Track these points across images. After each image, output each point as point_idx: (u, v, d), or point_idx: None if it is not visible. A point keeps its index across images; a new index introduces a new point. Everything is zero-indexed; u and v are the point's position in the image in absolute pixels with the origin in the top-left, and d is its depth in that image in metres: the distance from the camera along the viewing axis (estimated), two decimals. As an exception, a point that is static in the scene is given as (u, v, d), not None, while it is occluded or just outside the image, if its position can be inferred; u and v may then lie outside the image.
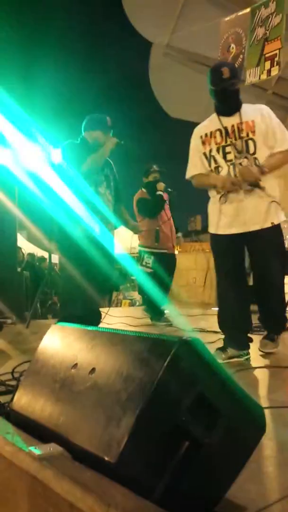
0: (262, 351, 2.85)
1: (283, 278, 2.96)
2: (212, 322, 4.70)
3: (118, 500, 0.73)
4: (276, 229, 2.80)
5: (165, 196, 4.93)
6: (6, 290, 4.79)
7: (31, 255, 10.18)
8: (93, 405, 0.96)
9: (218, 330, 3.90)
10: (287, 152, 2.78)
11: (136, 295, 11.10)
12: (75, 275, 3.24)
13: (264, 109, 2.87)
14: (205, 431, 0.91)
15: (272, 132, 2.78)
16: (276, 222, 2.78)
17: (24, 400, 1.20)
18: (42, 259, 9.82)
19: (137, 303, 10.42)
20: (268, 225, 2.75)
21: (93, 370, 1.03)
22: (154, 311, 4.83)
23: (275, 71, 5.16)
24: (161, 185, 4.93)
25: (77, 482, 0.80)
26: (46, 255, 8.12)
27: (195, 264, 7.80)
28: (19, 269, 6.50)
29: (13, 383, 1.89)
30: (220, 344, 3.23)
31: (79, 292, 3.18)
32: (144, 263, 4.98)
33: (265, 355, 2.83)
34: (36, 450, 0.92)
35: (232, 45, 5.75)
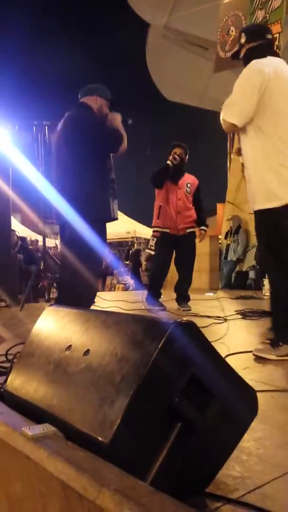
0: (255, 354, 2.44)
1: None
2: (206, 307, 4.74)
3: (111, 480, 0.74)
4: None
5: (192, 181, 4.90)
6: (0, 273, 4.78)
7: (22, 238, 10.14)
8: (87, 386, 0.96)
9: (211, 314, 3.93)
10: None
11: (130, 280, 11.13)
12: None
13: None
14: (197, 412, 0.92)
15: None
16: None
17: (18, 382, 1.20)
18: (35, 242, 9.80)
19: (131, 287, 10.45)
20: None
21: (87, 351, 1.03)
22: (150, 294, 4.84)
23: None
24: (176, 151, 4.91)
25: (70, 462, 0.80)
26: (39, 238, 8.09)
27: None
28: (12, 252, 6.48)
29: (7, 365, 1.90)
30: (215, 328, 3.25)
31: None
32: (149, 246, 4.99)
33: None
34: (30, 431, 0.92)
35: (232, 28, 5.68)
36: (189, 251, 4.93)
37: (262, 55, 2.54)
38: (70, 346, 1.11)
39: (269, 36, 2.70)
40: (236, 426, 1.02)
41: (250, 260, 8.21)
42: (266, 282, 5.50)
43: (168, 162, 4.80)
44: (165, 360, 0.87)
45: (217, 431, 0.96)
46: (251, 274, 7.96)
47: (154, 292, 4.88)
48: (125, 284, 10.86)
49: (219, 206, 11.41)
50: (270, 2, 5.27)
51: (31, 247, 9.88)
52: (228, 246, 8.80)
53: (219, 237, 9.07)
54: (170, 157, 4.85)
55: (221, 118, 2.56)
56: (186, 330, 0.92)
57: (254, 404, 1.03)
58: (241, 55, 2.70)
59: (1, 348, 2.37)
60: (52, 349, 1.17)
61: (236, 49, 2.80)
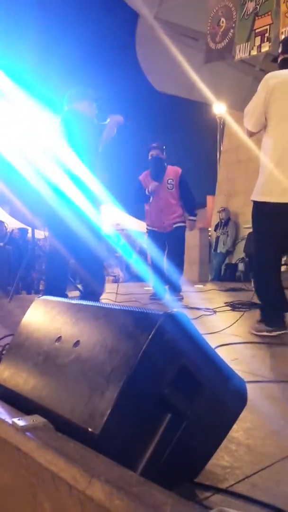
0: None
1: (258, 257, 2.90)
2: (196, 299, 4.76)
3: (101, 470, 0.74)
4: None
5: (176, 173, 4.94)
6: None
7: (14, 230, 10.06)
8: (77, 377, 0.96)
9: (201, 306, 3.95)
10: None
11: (119, 272, 11.13)
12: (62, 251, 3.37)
13: None
14: (187, 402, 0.92)
15: None
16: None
17: (7, 373, 1.19)
18: (24, 231, 9.71)
19: (120, 280, 10.45)
20: None
21: (77, 343, 1.02)
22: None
23: (265, 47, 5.11)
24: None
25: (60, 452, 0.80)
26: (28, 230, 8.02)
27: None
28: (1, 244, 6.43)
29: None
30: (204, 320, 3.27)
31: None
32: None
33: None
34: (19, 422, 0.92)
35: (222, 19, 5.65)
36: (177, 245, 5.02)
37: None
38: (60, 337, 1.10)
39: None
40: (226, 416, 1.02)
41: (240, 252, 8.25)
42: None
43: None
44: (155, 351, 0.87)
45: (206, 421, 0.97)
46: (240, 266, 8.00)
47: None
48: (114, 276, 10.86)
49: (209, 198, 11.43)
50: (260, -6, 5.25)
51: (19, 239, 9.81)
52: (217, 238, 8.83)
53: (209, 229, 9.09)
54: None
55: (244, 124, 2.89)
56: (176, 321, 0.92)
57: (243, 395, 1.04)
58: (277, 62, 2.99)
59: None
60: (42, 341, 1.16)
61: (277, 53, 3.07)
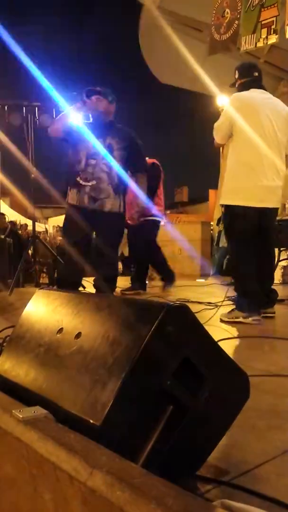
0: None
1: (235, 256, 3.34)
2: (197, 293, 4.75)
3: (102, 462, 0.73)
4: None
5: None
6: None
7: (12, 222, 10.05)
8: (79, 368, 0.95)
9: (202, 301, 3.95)
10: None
11: (119, 264, 11.13)
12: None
13: None
14: (190, 395, 0.92)
15: None
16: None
17: (8, 365, 1.18)
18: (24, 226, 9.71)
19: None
20: None
21: (79, 334, 1.01)
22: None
23: (272, 39, 5.05)
24: None
25: (61, 443, 0.79)
26: (29, 222, 8.01)
27: (180, 236, 7.80)
28: (2, 236, 6.42)
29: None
30: (205, 314, 3.27)
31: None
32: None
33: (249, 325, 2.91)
34: (20, 413, 0.91)
35: (227, 10, 5.59)
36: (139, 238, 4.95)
37: (247, 89, 3.29)
38: (61, 329, 1.10)
39: (256, 74, 3.38)
40: (228, 410, 1.02)
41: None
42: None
43: None
44: (158, 343, 0.86)
45: (208, 414, 0.96)
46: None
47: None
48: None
49: (211, 192, 11.40)
50: (265, -15, 5.19)
51: (20, 231, 9.81)
52: (220, 232, 8.80)
53: (211, 223, 9.06)
54: None
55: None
56: (179, 313, 0.91)
57: (246, 388, 1.03)
58: (236, 86, 3.43)
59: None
60: (43, 332, 1.15)
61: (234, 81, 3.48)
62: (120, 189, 3.65)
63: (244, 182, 3.14)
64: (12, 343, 1.25)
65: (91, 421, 0.84)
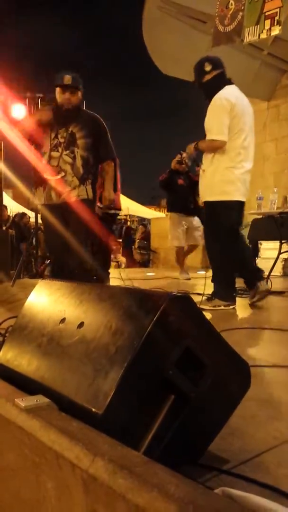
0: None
1: (216, 250, 3.44)
2: (198, 285, 4.75)
3: (104, 449, 0.74)
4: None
5: None
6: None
7: (18, 214, 10.05)
8: (81, 358, 0.95)
9: (201, 292, 3.97)
10: (210, 141, 3.32)
11: (121, 257, 11.12)
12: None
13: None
14: (191, 384, 0.92)
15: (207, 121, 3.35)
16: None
17: (11, 354, 1.19)
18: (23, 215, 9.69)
19: (123, 265, 10.45)
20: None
21: (81, 324, 1.02)
22: None
23: (275, 31, 5.00)
24: None
25: (63, 432, 0.80)
26: (31, 214, 8.00)
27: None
28: (4, 228, 6.42)
29: (-1, 338, 1.89)
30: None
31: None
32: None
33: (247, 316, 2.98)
34: (22, 402, 0.92)
35: (231, 1, 5.54)
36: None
37: (222, 82, 3.35)
38: (64, 319, 1.10)
39: (223, 67, 3.43)
40: (229, 399, 1.02)
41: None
42: (258, 260, 5.53)
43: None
44: (160, 333, 0.87)
45: (210, 403, 0.97)
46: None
47: None
48: (117, 262, 10.85)
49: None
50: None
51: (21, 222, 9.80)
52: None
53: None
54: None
55: (210, 139, 3.30)
56: (181, 303, 0.92)
57: (247, 378, 1.04)
58: (204, 80, 3.41)
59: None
60: (46, 322, 1.16)
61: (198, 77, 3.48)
62: (87, 179, 3.42)
63: (240, 181, 3.30)
64: (14, 333, 1.26)
65: (93, 409, 0.85)
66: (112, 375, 0.85)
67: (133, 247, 12.18)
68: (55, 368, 1.01)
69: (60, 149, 3.36)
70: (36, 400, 0.93)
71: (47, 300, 1.25)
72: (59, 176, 3.36)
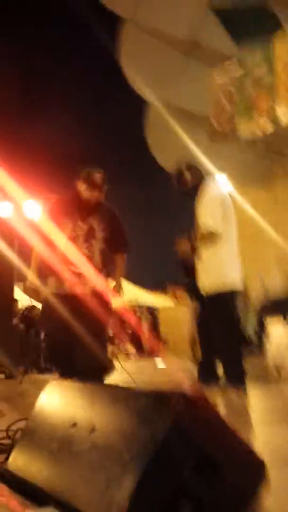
0: None
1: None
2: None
3: None
4: None
5: None
6: (1, 343, 4.72)
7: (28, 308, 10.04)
8: (93, 466, 0.92)
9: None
10: None
11: (130, 348, 10.91)
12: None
13: None
14: (207, 488, 0.88)
15: None
16: None
17: (20, 461, 1.15)
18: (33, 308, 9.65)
19: (132, 356, 10.24)
20: None
21: (93, 429, 0.99)
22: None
23: (268, 127, 5.34)
24: None
25: None
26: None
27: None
28: (15, 322, 6.43)
29: (6, 441, 1.82)
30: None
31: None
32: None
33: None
34: (34, 515, 0.87)
35: (224, 102, 6.00)
36: None
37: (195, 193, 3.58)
38: (75, 423, 1.07)
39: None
40: (245, 497, 0.97)
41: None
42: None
43: None
44: (175, 438, 0.84)
45: (226, 504, 0.91)
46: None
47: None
48: (126, 353, 10.66)
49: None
50: (259, 74, 5.56)
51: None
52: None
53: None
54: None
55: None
56: (195, 404, 0.90)
57: (263, 473, 0.99)
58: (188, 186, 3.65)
59: (1, 423, 2.28)
60: (56, 427, 1.13)
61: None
62: (103, 271, 3.40)
63: (235, 270, 3.50)
64: (24, 438, 1.23)
65: (107, 524, 0.81)
66: (126, 485, 0.82)
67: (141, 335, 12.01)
68: (66, 477, 0.97)
69: (79, 242, 3.36)
70: (47, 513, 0.88)
71: (58, 402, 1.23)
72: (75, 268, 3.31)
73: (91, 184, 3.34)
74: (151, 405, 0.92)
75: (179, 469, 0.85)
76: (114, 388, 1.11)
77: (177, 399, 0.89)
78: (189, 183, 3.61)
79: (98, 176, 3.37)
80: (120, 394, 1.04)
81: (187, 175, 3.62)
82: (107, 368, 3.37)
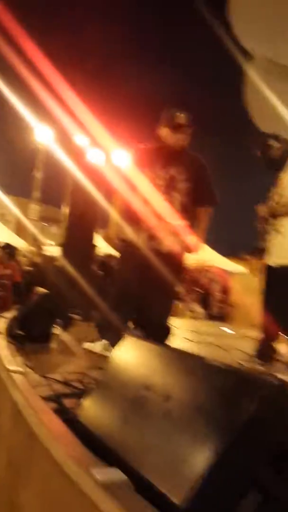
0: None
1: None
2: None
3: None
4: None
5: None
6: (80, 286, 4.85)
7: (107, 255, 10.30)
8: (165, 436, 0.89)
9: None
10: None
11: (198, 308, 10.87)
12: None
13: None
14: (282, 487, 0.82)
15: None
16: None
17: (92, 413, 1.15)
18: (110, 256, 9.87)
19: (200, 316, 10.23)
20: None
21: (167, 398, 0.96)
22: None
23: None
24: None
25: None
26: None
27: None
28: (93, 269, 6.60)
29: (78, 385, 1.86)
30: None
31: None
32: None
33: None
34: (99, 474, 0.86)
35: None
36: None
37: None
38: (148, 386, 1.04)
39: None
40: None
41: None
42: None
43: None
44: (256, 428, 0.78)
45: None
46: None
47: None
48: (194, 312, 10.65)
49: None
50: None
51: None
52: None
53: None
54: None
55: None
56: (284, 394, 0.83)
57: None
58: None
59: (74, 364, 2.35)
60: (130, 385, 1.11)
61: None
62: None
63: None
64: (97, 391, 1.22)
65: (174, 500, 0.78)
66: (199, 465, 0.78)
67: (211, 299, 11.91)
68: (136, 441, 0.95)
69: (158, 193, 3.10)
70: (114, 475, 0.87)
71: (133, 360, 1.21)
72: (155, 222, 3.07)
73: (175, 127, 3.03)
74: (234, 385, 0.86)
75: (254, 460, 0.79)
76: (193, 357, 1.06)
77: (263, 384, 0.82)
78: (276, 154, 3.37)
79: (181, 116, 3.04)
80: (201, 367, 0.99)
81: (275, 145, 3.38)
82: (169, 328, 3.32)
